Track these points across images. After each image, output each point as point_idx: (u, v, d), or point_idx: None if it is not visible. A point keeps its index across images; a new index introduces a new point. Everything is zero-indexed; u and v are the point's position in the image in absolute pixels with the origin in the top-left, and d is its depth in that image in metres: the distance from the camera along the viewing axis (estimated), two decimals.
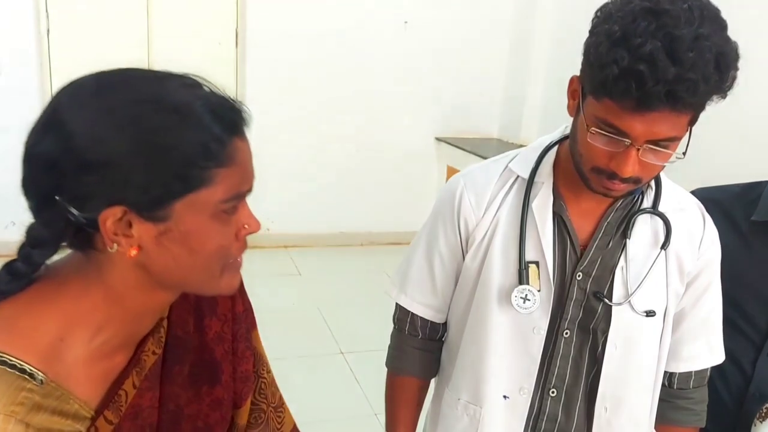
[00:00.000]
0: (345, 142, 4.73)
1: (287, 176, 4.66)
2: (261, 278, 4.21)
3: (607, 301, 1.04)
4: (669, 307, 1.08)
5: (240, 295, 0.91)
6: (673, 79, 0.82)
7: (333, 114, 4.66)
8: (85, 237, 0.69)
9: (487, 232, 1.09)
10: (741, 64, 0.90)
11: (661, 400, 1.14)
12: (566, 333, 1.07)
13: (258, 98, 4.48)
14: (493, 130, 5.09)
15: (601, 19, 0.90)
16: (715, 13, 0.87)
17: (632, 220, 1.04)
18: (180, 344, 0.82)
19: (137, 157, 0.64)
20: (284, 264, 4.50)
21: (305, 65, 4.52)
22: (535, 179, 1.08)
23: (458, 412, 1.14)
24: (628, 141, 0.89)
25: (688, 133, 0.92)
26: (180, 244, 0.69)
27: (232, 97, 0.72)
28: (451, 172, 4.73)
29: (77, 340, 0.70)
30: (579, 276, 1.05)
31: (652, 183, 1.07)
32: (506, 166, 1.11)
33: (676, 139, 0.91)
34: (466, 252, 1.12)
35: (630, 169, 0.91)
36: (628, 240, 1.04)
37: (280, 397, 1.01)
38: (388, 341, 1.26)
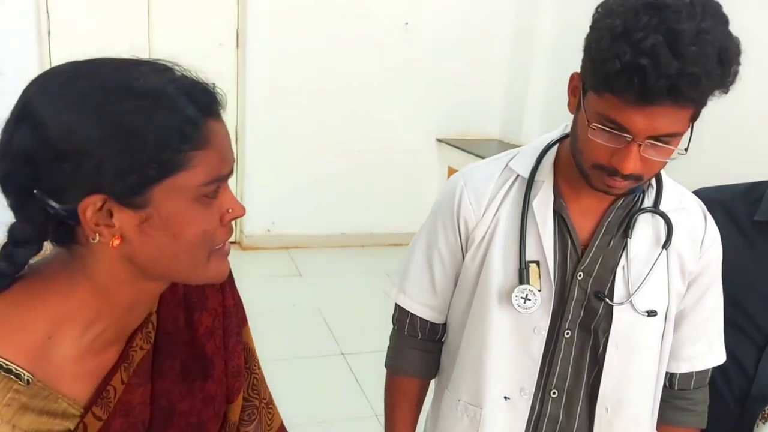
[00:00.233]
0: (346, 143, 4.73)
1: (288, 177, 4.66)
2: (262, 279, 4.21)
3: (608, 300, 1.04)
4: (670, 307, 1.07)
5: (230, 289, 0.91)
6: (675, 73, 0.81)
7: (334, 115, 4.65)
8: (67, 231, 0.68)
9: (487, 231, 1.08)
10: (743, 62, 0.89)
11: (661, 400, 1.13)
12: (567, 333, 1.07)
13: (259, 99, 4.48)
14: (494, 131, 5.08)
15: (603, 14, 0.89)
16: (717, 8, 0.87)
17: (633, 219, 1.04)
18: (170, 339, 0.82)
19: (110, 144, 0.64)
20: (285, 265, 4.50)
21: (306, 66, 4.52)
22: (536, 178, 1.07)
23: (458, 413, 1.14)
24: (629, 137, 0.89)
25: (689, 129, 0.92)
26: (162, 231, 0.68)
27: (204, 79, 0.71)
28: (452, 173, 4.71)
29: (66, 337, 0.69)
30: (580, 275, 1.05)
31: (654, 182, 1.07)
32: (506, 165, 1.11)
33: (678, 135, 0.90)
34: (466, 252, 1.11)
35: (631, 165, 0.90)
36: (629, 239, 1.04)
37: (270, 394, 1.01)
38: (388, 342, 1.26)
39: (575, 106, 0.98)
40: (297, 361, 3.23)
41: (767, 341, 1.25)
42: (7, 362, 0.65)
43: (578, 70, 0.97)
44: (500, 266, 1.06)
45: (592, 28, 0.91)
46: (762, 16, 2.79)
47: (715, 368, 1.15)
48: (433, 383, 1.26)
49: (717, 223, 1.11)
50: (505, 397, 1.09)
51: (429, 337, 1.20)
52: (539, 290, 1.04)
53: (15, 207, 0.68)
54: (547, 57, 4.56)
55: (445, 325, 1.21)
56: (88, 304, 0.70)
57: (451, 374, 1.17)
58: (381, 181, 4.87)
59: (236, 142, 4.61)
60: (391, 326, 1.24)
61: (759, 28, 2.54)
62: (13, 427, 0.64)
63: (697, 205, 1.11)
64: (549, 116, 4.52)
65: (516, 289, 1.04)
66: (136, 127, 0.64)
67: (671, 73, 0.81)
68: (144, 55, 0.72)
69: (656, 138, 0.89)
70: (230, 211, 0.73)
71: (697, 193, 1.19)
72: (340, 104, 4.64)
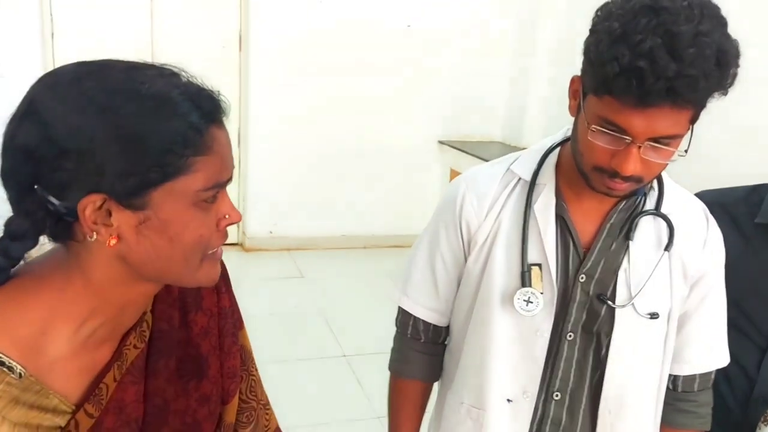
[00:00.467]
0: (348, 144, 4.73)
1: (290, 179, 4.66)
2: (264, 281, 4.21)
3: (610, 303, 1.04)
4: (673, 309, 1.07)
5: (226, 290, 0.91)
6: (673, 75, 0.82)
7: (336, 117, 4.66)
8: (65, 227, 0.69)
9: (489, 234, 1.09)
10: (744, 65, 0.89)
11: (665, 403, 1.13)
12: (570, 336, 1.07)
13: (261, 101, 4.49)
14: (496, 134, 5.08)
15: (602, 17, 0.90)
16: (716, 10, 0.87)
17: (635, 222, 1.04)
18: (165, 338, 0.82)
19: (114, 145, 0.64)
20: (287, 267, 4.50)
21: (308, 68, 4.52)
22: (537, 181, 1.07)
23: (461, 416, 1.14)
24: (628, 138, 0.89)
25: (689, 131, 0.92)
26: (159, 233, 0.69)
27: (209, 86, 0.72)
28: (454, 175, 4.73)
29: (59, 334, 0.70)
30: (582, 278, 1.05)
31: (655, 184, 1.07)
32: (508, 168, 1.11)
33: (678, 137, 0.90)
34: (468, 255, 1.11)
35: (631, 167, 0.90)
36: (631, 242, 1.04)
37: (267, 396, 1.01)
38: (390, 344, 1.26)
39: (576, 109, 0.99)
40: (298, 363, 3.23)
41: None
42: (0, 354, 0.65)
43: (579, 73, 0.97)
44: (502, 269, 1.07)
45: (591, 31, 0.91)
46: (763, 19, 2.79)
47: (717, 371, 1.15)
48: (436, 386, 1.27)
49: (718, 225, 1.11)
50: (508, 400, 1.09)
51: (432, 339, 1.21)
52: (541, 293, 1.04)
53: (14, 201, 0.68)
54: (549, 60, 4.56)
55: (448, 327, 1.21)
56: (82, 301, 0.71)
57: (453, 377, 1.17)
58: (383, 183, 4.88)
59: (238, 144, 4.62)
60: (394, 328, 1.25)
61: (763, 29, 2.55)
62: (3, 419, 0.64)
63: (699, 208, 1.11)
64: (550, 119, 4.52)
65: (518, 291, 1.04)
66: (140, 130, 0.65)
67: (669, 75, 0.82)
68: (147, 59, 0.72)
69: (656, 140, 0.89)
70: (227, 216, 0.74)
71: (698, 195, 1.19)
72: (342, 106, 4.65)
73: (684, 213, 1.08)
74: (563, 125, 1.11)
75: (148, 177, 0.66)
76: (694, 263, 1.07)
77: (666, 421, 1.14)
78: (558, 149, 1.10)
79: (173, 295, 0.84)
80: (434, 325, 1.19)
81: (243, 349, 0.95)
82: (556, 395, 1.09)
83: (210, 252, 0.74)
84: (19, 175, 0.66)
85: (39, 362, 0.68)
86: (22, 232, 0.68)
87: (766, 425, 1.22)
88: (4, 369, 0.65)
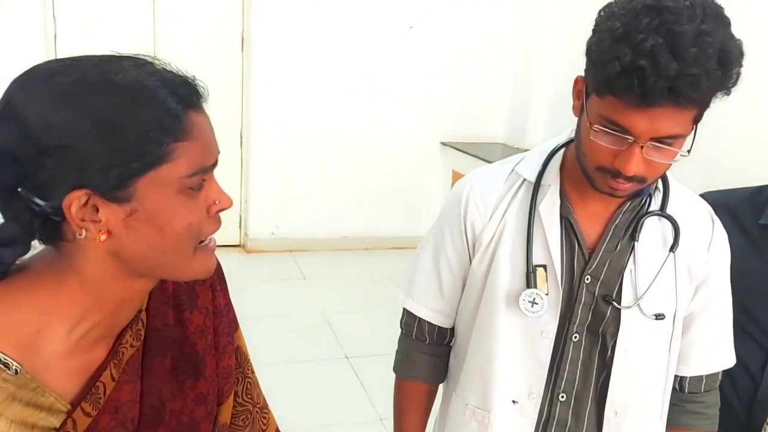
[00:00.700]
0: (350, 146, 4.74)
1: (292, 180, 4.67)
2: (265, 282, 4.21)
3: (616, 304, 1.03)
4: (678, 310, 1.07)
5: (221, 289, 0.90)
6: (674, 74, 0.82)
7: (338, 118, 4.67)
8: (54, 228, 0.68)
9: (493, 235, 1.08)
10: (749, 65, 0.89)
11: (672, 404, 1.13)
12: (575, 337, 1.07)
13: (263, 103, 4.50)
14: (499, 135, 5.09)
15: (604, 17, 0.90)
16: (718, 10, 0.87)
17: (640, 223, 1.04)
18: (160, 337, 0.82)
19: (92, 138, 0.64)
20: (289, 268, 4.50)
21: (310, 70, 4.53)
22: (542, 182, 1.07)
23: (466, 417, 1.14)
24: (631, 138, 0.89)
25: (693, 131, 0.92)
26: (148, 224, 0.68)
27: (184, 72, 0.71)
28: (457, 176, 4.73)
29: (55, 333, 0.70)
30: (587, 279, 1.05)
31: (660, 185, 1.07)
32: (513, 170, 1.11)
33: (681, 137, 0.90)
34: (473, 256, 1.11)
35: (634, 167, 0.90)
36: (636, 242, 1.04)
37: (264, 398, 1.01)
38: (393, 345, 1.26)
39: (579, 109, 0.99)
40: (300, 365, 3.23)
41: None
42: None
43: (582, 73, 0.97)
44: (507, 270, 1.06)
45: (594, 30, 0.91)
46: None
47: (722, 372, 1.15)
48: (441, 387, 1.26)
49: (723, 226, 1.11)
50: (514, 401, 1.09)
51: (437, 341, 1.20)
52: (546, 294, 1.04)
53: (2, 207, 0.68)
54: (552, 60, 4.56)
55: (453, 329, 1.21)
56: (76, 300, 0.71)
57: (459, 378, 1.17)
58: (385, 185, 4.88)
59: (241, 146, 4.62)
60: (396, 330, 1.24)
61: (765, 31, 2.54)
62: None
63: (705, 209, 1.11)
64: (553, 120, 4.52)
65: (523, 292, 1.04)
66: (117, 120, 0.64)
67: (671, 75, 0.82)
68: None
69: (658, 140, 0.89)
70: (217, 202, 0.73)
71: (701, 197, 1.19)
72: (344, 108, 4.66)
73: (689, 214, 1.07)
74: (566, 127, 1.11)
75: (130, 168, 0.65)
76: (699, 264, 1.07)
77: (673, 422, 1.14)
78: (563, 150, 1.10)
79: (167, 293, 0.84)
80: (439, 327, 1.19)
81: (238, 351, 0.94)
82: (562, 396, 1.09)
83: (203, 241, 0.73)
84: (2, 179, 0.66)
85: (35, 360, 0.68)
86: (12, 238, 0.67)
87: None
88: (0, 365, 0.65)
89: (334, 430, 2.74)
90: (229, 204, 0.74)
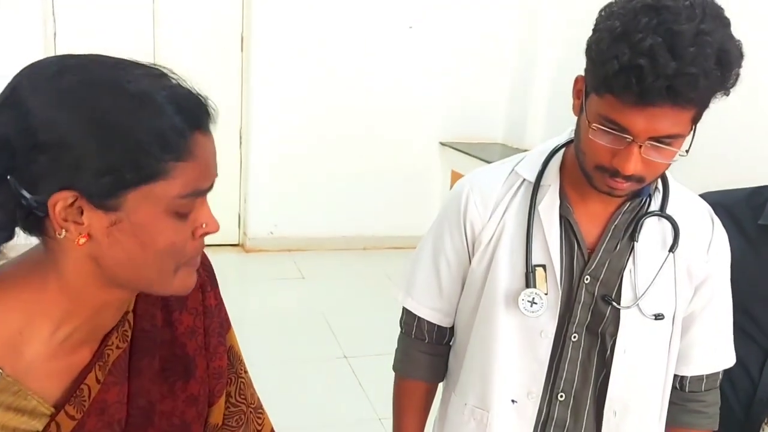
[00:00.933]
0: (349, 146, 4.74)
1: (291, 180, 4.67)
2: (264, 282, 4.21)
3: (615, 304, 1.04)
4: (678, 310, 1.07)
5: (212, 289, 0.89)
6: (673, 73, 0.82)
7: (337, 118, 4.66)
8: (36, 221, 0.67)
9: (493, 235, 1.09)
10: (749, 66, 0.89)
11: (673, 403, 1.13)
12: (574, 336, 1.07)
13: (263, 103, 4.49)
14: (498, 135, 5.08)
15: (604, 16, 0.90)
16: (718, 10, 0.87)
17: (640, 223, 1.04)
18: (147, 338, 0.80)
19: (90, 141, 0.63)
20: (287, 268, 4.50)
21: (310, 70, 4.53)
22: (542, 182, 1.07)
23: (465, 416, 1.14)
24: (629, 137, 0.89)
25: (692, 131, 0.92)
26: (131, 237, 0.67)
27: (198, 90, 0.70)
28: (455, 176, 4.73)
29: (37, 334, 0.69)
30: (587, 279, 1.05)
31: (660, 185, 1.07)
32: (512, 170, 1.11)
33: (679, 137, 0.90)
34: (473, 255, 1.11)
35: (632, 166, 0.90)
36: (636, 243, 1.04)
37: (259, 399, 1.00)
38: (392, 345, 1.26)
39: (579, 108, 0.99)
40: (299, 364, 3.23)
41: None
42: None
43: (582, 73, 0.97)
44: (507, 270, 1.07)
45: (593, 30, 0.92)
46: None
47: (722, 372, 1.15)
48: (440, 387, 1.26)
49: None
50: (513, 401, 1.09)
51: (436, 340, 1.20)
52: (546, 294, 1.04)
53: None
54: (551, 60, 4.56)
55: (452, 328, 1.21)
56: (58, 301, 0.70)
57: (458, 378, 1.17)
58: (384, 185, 4.88)
59: (240, 145, 4.62)
60: (395, 329, 1.25)
61: (765, 31, 2.54)
62: None
63: (705, 209, 1.11)
64: (552, 120, 4.52)
65: (522, 292, 1.04)
66: (118, 126, 0.63)
67: (669, 74, 0.82)
68: (149, 58, 0.71)
69: (657, 139, 0.89)
70: (204, 226, 0.72)
71: (700, 197, 1.19)
72: (343, 107, 4.65)
73: (689, 214, 1.08)
74: (565, 127, 1.11)
75: (123, 177, 0.64)
76: (699, 264, 1.07)
77: (675, 422, 1.14)
78: (562, 150, 1.10)
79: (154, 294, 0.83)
80: (438, 326, 1.19)
81: (231, 351, 0.93)
82: (561, 396, 1.09)
83: (185, 260, 0.72)
84: None
85: (16, 363, 0.67)
86: None
87: None
88: None
89: (333, 429, 2.74)
90: (216, 229, 0.72)
